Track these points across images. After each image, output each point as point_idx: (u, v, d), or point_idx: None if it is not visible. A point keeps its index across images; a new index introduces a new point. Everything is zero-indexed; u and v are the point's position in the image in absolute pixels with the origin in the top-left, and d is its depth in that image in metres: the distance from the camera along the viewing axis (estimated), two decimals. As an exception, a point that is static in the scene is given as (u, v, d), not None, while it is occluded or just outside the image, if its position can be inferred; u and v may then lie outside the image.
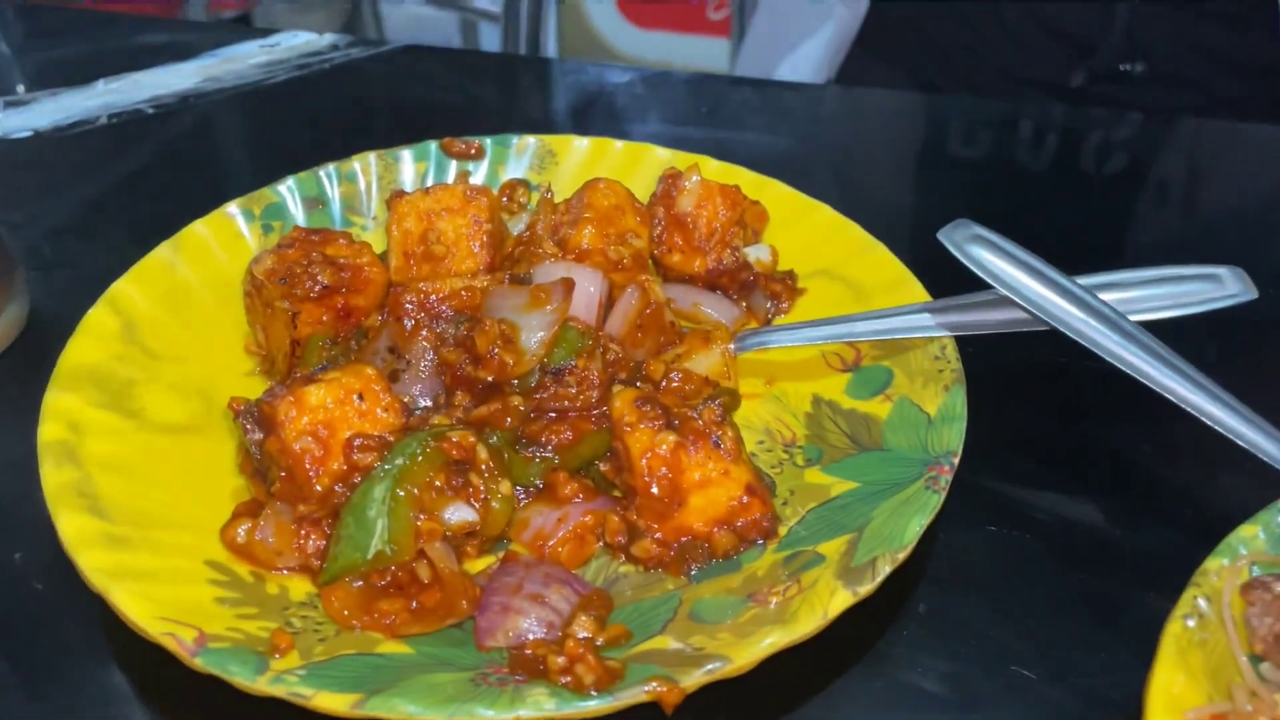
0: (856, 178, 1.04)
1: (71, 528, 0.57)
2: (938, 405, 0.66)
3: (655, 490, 0.59)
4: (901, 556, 0.57)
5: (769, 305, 0.78)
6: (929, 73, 1.40)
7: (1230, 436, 0.60)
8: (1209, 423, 0.61)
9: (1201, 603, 0.54)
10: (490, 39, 2.63)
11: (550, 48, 2.43)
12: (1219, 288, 0.69)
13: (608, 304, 0.71)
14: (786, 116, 1.13)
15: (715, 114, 1.13)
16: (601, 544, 0.62)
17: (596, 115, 1.15)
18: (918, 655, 0.59)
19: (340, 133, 1.09)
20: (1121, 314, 0.66)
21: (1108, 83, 1.32)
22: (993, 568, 0.63)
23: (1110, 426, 0.74)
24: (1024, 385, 0.77)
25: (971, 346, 0.72)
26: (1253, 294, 0.68)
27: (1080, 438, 0.74)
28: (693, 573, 0.60)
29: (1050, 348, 0.69)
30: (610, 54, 2.86)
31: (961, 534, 0.65)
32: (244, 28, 1.42)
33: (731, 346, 0.71)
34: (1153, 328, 0.66)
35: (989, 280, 0.67)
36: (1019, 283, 0.67)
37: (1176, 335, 0.66)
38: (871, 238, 0.79)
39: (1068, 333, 0.66)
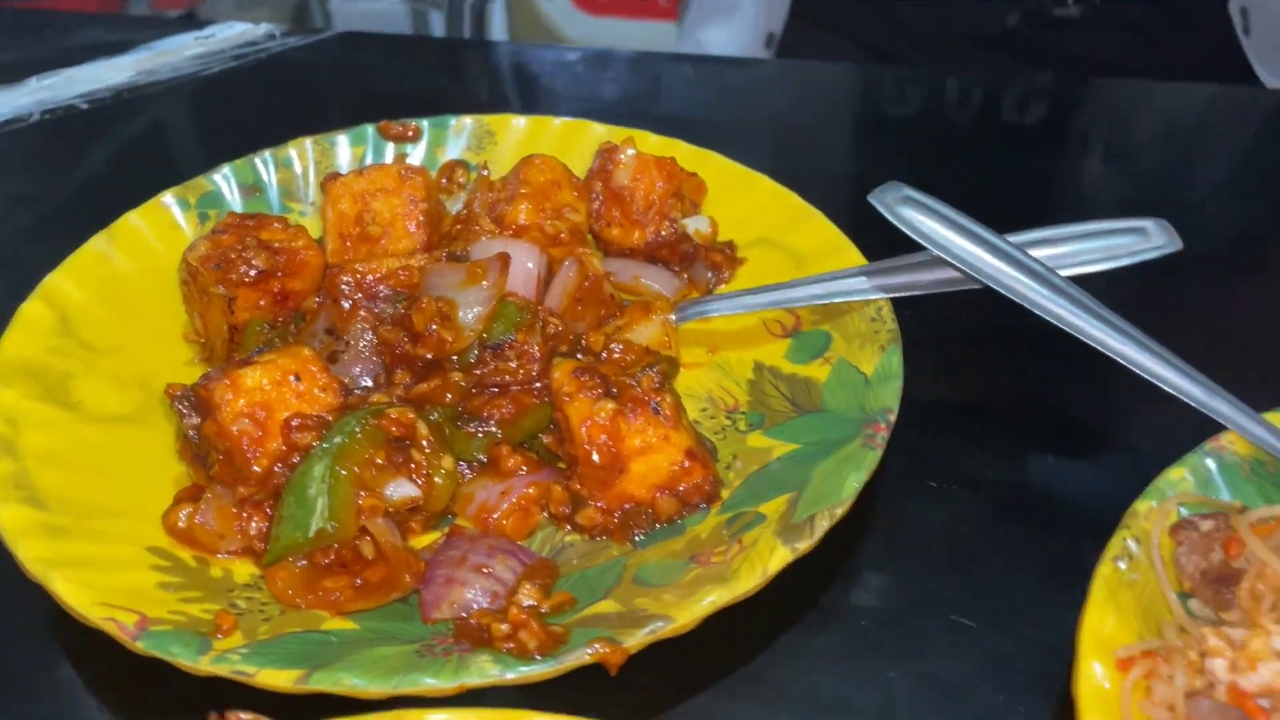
0: (796, 148, 1.05)
1: (9, 519, 0.56)
2: (874, 365, 0.67)
3: (596, 458, 0.60)
4: (840, 512, 0.58)
5: (710, 276, 0.78)
6: (872, 36, 1.41)
7: (1159, 384, 0.62)
8: (1138, 371, 0.62)
9: (1131, 544, 0.55)
10: (440, 31, 2.61)
11: (498, 36, 2.42)
12: (1145, 240, 0.70)
13: (547, 278, 0.71)
14: (727, 91, 1.14)
15: (657, 91, 1.13)
16: (546, 515, 0.62)
17: (540, 96, 1.15)
18: (862, 609, 0.60)
19: (279, 122, 1.08)
20: (1051, 269, 0.67)
21: (1045, 28, 1.33)
22: (934, 522, 0.65)
23: (1045, 381, 0.75)
24: (962, 344, 0.79)
25: (910, 309, 0.73)
26: (1177, 245, 0.70)
27: (1017, 393, 0.75)
28: (637, 539, 0.60)
29: (986, 306, 0.70)
30: (560, 42, 2.85)
31: (903, 491, 0.66)
32: (184, 23, 1.41)
33: (672, 316, 0.72)
34: (1082, 281, 0.67)
35: (920, 240, 0.68)
36: (949, 241, 0.68)
37: (1105, 288, 0.67)
38: (809, 205, 0.80)
39: (999, 289, 0.67)
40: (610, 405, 0.60)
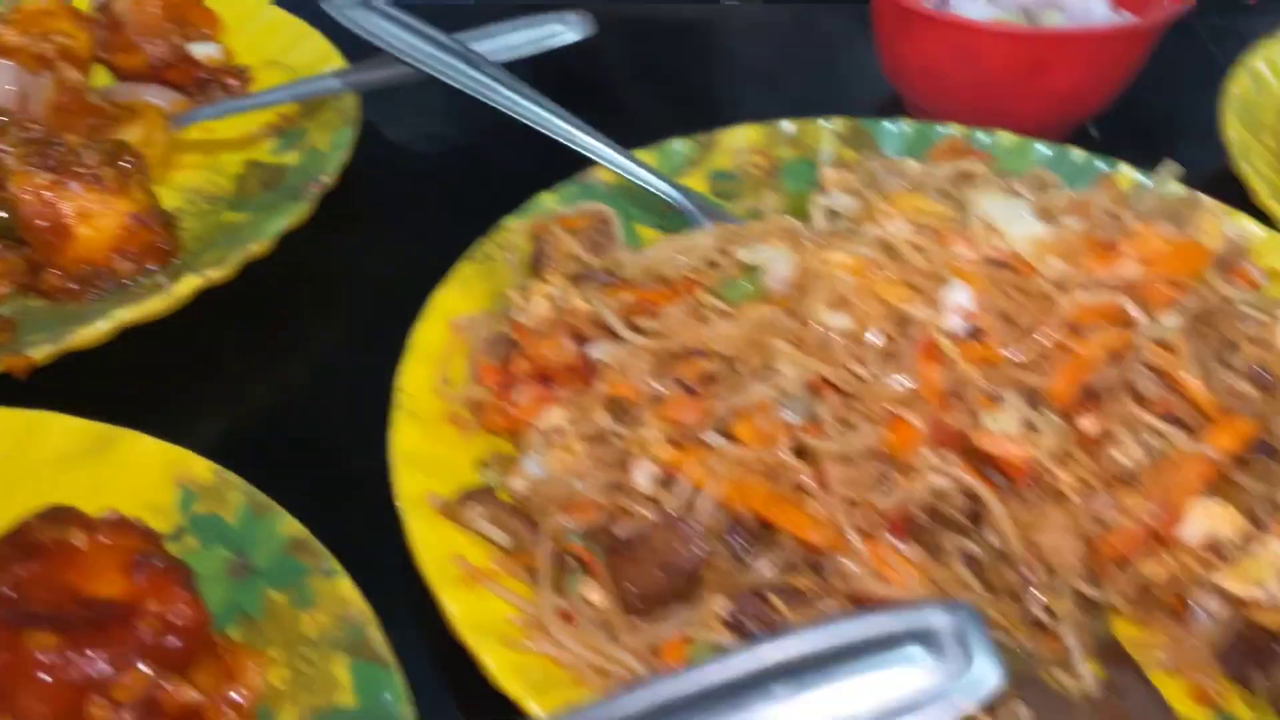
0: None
1: None
2: (328, 142, 0.77)
3: (42, 225, 0.67)
4: (258, 249, 0.68)
5: (221, 95, 0.86)
6: None
7: (559, 137, 0.73)
8: (541, 128, 0.74)
9: (495, 248, 0.67)
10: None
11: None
12: (566, 30, 0.83)
13: (36, 96, 0.78)
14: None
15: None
16: (12, 287, 0.69)
17: None
18: (303, 331, 0.73)
19: None
20: (482, 56, 0.78)
21: None
22: (373, 266, 0.77)
23: (484, 150, 0.87)
24: (420, 129, 0.90)
25: (393, 107, 0.83)
26: (590, 33, 0.83)
27: (461, 160, 0.87)
28: (96, 299, 0.69)
29: (436, 92, 0.81)
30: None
31: (349, 241, 0.78)
32: None
33: (167, 124, 0.80)
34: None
35: (367, 37, 0.78)
36: (396, 38, 0.79)
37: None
38: (310, 28, 0.89)
39: (439, 75, 0.78)
40: (49, 176, 0.67)
